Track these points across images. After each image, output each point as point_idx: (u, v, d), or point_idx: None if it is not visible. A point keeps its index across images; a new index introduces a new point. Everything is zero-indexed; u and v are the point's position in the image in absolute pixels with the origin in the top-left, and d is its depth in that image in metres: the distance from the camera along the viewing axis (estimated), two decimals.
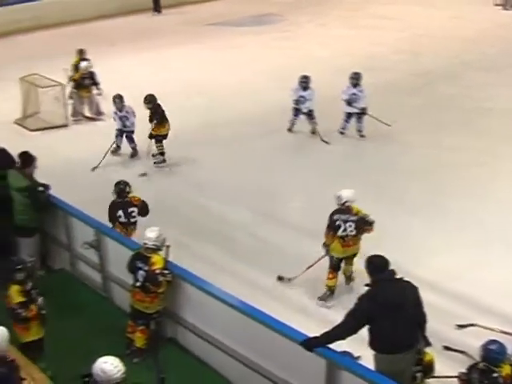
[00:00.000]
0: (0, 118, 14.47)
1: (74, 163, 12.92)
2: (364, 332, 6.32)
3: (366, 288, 6.40)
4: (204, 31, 24.27)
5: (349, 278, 9.29)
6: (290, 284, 9.32)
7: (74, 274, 9.50)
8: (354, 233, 8.83)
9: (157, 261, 7.64)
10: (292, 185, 11.94)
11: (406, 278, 6.45)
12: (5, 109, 16.01)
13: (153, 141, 13.21)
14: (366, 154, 13.42)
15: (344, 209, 8.85)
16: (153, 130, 13.07)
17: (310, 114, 14.28)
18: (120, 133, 13.56)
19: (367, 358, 6.52)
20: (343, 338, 6.28)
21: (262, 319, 6.92)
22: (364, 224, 8.85)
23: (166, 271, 7.59)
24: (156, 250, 7.73)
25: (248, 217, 11.00)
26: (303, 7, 26.86)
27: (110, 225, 9.37)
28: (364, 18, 24.77)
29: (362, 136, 14.16)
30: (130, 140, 13.60)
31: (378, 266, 6.36)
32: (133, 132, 13.52)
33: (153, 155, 13.28)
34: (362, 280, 6.78)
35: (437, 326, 7.56)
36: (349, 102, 13.91)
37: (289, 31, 23.60)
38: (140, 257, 7.76)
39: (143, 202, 9.54)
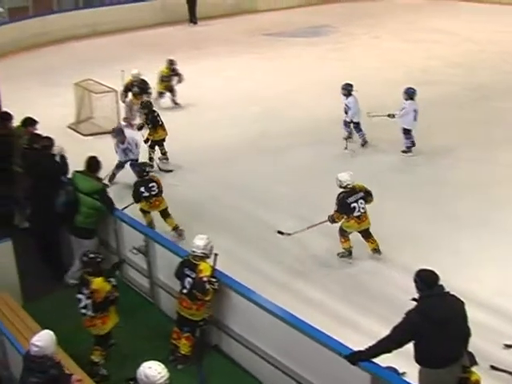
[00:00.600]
0: (54, 123, 14.67)
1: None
2: (410, 348, 6.24)
3: (414, 303, 6.31)
4: (259, 41, 24.45)
5: (377, 251, 10.05)
6: (335, 297, 9.25)
7: (121, 278, 9.58)
8: (365, 209, 9.81)
9: (204, 268, 7.68)
10: None
11: (452, 293, 6.35)
12: (59, 113, 16.29)
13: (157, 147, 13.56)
14: (416, 168, 13.26)
15: (349, 190, 9.80)
16: (149, 134, 13.59)
17: (356, 126, 14.10)
18: (121, 164, 12.89)
19: (412, 375, 6.44)
20: (388, 351, 6.20)
21: (306, 330, 6.88)
22: (369, 196, 9.89)
23: (213, 279, 7.61)
24: (204, 257, 7.77)
25: (294, 226, 10.96)
26: (357, 19, 26.90)
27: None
28: (419, 31, 24.67)
29: (403, 151, 13.71)
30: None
31: (427, 281, 6.25)
32: (137, 160, 12.78)
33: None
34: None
35: (484, 345, 7.47)
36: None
37: (342, 43, 23.66)
38: (188, 264, 7.81)
39: (159, 182, 10.72)
